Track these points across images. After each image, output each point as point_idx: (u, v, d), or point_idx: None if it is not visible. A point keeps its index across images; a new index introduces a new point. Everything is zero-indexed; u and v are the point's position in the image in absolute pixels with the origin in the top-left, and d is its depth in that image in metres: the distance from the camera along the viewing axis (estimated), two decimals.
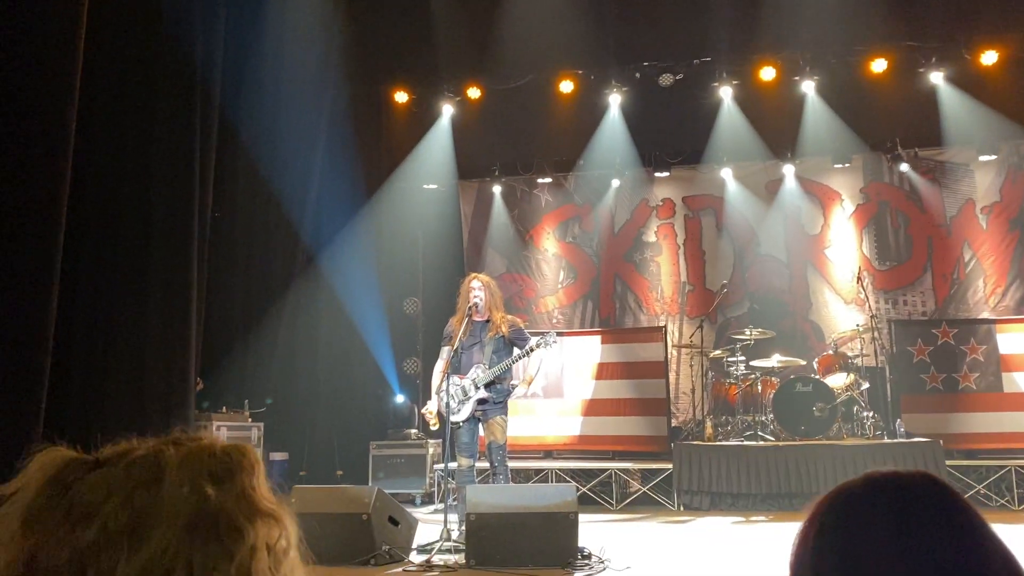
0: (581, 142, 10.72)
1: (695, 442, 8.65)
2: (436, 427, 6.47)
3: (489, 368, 6.24)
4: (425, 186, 11.12)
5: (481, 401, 6.25)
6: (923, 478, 1.01)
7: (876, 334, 8.75)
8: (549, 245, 11.32)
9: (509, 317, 6.54)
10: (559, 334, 6.95)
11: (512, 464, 6.73)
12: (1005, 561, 0.94)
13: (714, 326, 10.37)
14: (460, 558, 5.52)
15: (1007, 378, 8.77)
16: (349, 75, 10.19)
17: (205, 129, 7.77)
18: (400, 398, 10.26)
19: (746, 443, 8.37)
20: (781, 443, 8.25)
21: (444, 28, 10.04)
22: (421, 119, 11.03)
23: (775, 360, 8.80)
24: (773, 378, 8.85)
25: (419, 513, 7.44)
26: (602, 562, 5.49)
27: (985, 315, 9.64)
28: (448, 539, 5.84)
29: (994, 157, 9.89)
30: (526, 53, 9.85)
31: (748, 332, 9.00)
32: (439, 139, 10.94)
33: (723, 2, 9.44)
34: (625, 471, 8.74)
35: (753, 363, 8.90)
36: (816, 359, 9.00)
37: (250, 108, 8.80)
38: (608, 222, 11.14)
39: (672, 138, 10.70)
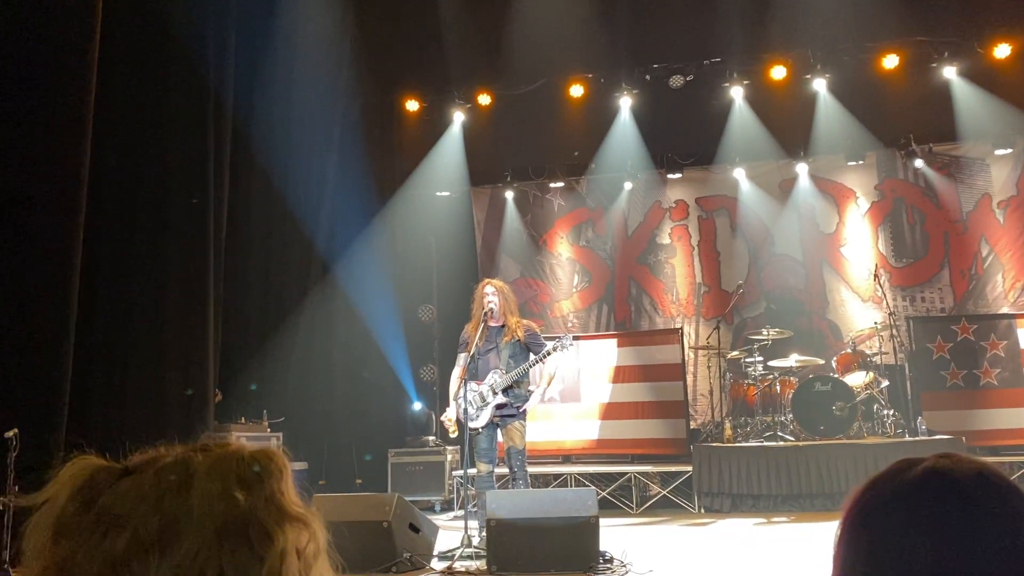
0: (593, 146, 10.72)
1: (714, 444, 8.61)
2: (455, 434, 6.47)
3: (506, 373, 6.24)
4: (438, 193, 11.14)
5: (499, 406, 6.24)
6: (977, 472, 0.99)
7: (894, 331, 8.69)
8: (563, 249, 11.31)
9: (524, 322, 6.54)
10: (575, 338, 6.94)
11: (531, 469, 6.71)
12: None
13: (731, 327, 10.33)
14: (481, 564, 5.52)
15: None
16: (360, 84, 10.23)
17: (218, 141, 7.82)
18: (417, 405, 10.26)
19: (766, 444, 8.33)
20: (801, 443, 8.20)
21: (454, 36, 10.06)
22: (432, 127, 11.06)
23: (793, 360, 8.75)
24: (791, 378, 8.80)
25: (439, 520, 7.43)
26: (624, 566, 5.47)
27: (1005, 310, 9.56)
28: (469, 545, 5.83)
29: (1010, 151, 9.82)
30: (536, 58, 9.86)
31: (765, 332, 8.96)
32: (451, 146, 10.97)
33: (732, 2, 9.42)
34: (645, 474, 8.71)
35: (771, 363, 8.86)
36: (834, 358, 8.95)
37: (262, 119, 8.84)
38: (621, 225, 11.13)
39: (684, 139, 10.69)
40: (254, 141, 8.77)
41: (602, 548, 5.51)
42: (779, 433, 8.45)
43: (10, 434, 4.75)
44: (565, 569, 5.29)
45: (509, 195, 11.32)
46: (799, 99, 10.03)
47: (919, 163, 10.15)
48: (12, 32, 5.75)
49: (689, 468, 8.39)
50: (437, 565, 5.70)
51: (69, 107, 5.93)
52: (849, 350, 8.90)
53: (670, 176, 10.77)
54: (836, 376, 8.51)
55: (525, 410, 6.34)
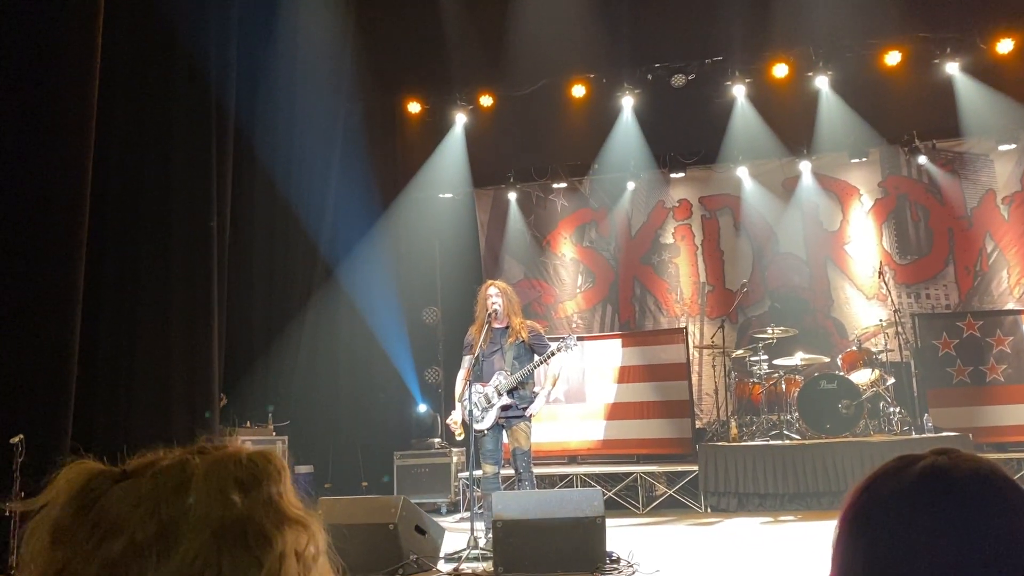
0: (595, 146, 10.71)
1: (720, 443, 8.60)
2: (461, 436, 6.46)
3: (511, 374, 6.23)
4: (440, 195, 11.15)
5: (504, 408, 6.24)
6: (976, 469, 0.98)
7: (900, 329, 8.66)
8: (566, 250, 11.31)
9: (528, 322, 6.54)
10: (579, 338, 6.93)
11: (536, 470, 6.70)
12: None
13: (735, 326, 10.32)
14: (488, 566, 5.51)
15: None
16: (362, 87, 10.24)
17: (221, 144, 7.82)
18: (423, 408, 10.26)
19: (772, 442, 8.31)
20: (807, 441, 8.18)
21: (455, 37, 10.06)
22: (435, 129, 11.06)
23: (798, 358, 8.74)
24: (797, 376, 8.79)
25: (445, 522, 7.43)
26: (631, 566, 5.47)
27: (1010, 306, 9.53)
28: (475, 547, 5.83)
29: (1014, 146, 9.79)
30: (537, 59, 9.85)
31: (770, 331, 8.95)
32: (453, 148, 10.97)
33: (733, 0, 9.41)
34: (650, 474, 8.69)
35: (776, 362, 8.84)
36: (840, 356, 8.93)
37: (265, 122, 8.86)
38: (625, 225, 11.12)
39: (686, 139, 10.67)
40: (257, 144, 8.79)
41: (609, 548, 5.51)
42: (785, 432, 8.44)
43: (15, 440, 4.76)
44: (572, 570, 5.28)
45: (512, 196, 11.32)
46: (802, 97, 10.02)
47: (923, 160, 10.13)
48: (13, 36, 5.76)
49: (695, 468, 8.38)
50: (443, 567, 5.70)
51: (72, 111, 5.93)
52: (854, 348, 8.88)
53: (673, 175, 10.76)
54: (842, 374, 8.49)
55: (531, 412, 6.33)
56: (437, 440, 9.60)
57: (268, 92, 9.02)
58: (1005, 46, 9.35)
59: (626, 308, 10.98)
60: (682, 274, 10.87)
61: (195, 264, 7.39)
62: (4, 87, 5.70)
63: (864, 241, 10.32)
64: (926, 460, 0.99)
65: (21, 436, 4.77)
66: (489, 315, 6.33)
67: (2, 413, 5.14)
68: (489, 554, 5.61)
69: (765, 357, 8.84)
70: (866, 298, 10.14)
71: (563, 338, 6.27)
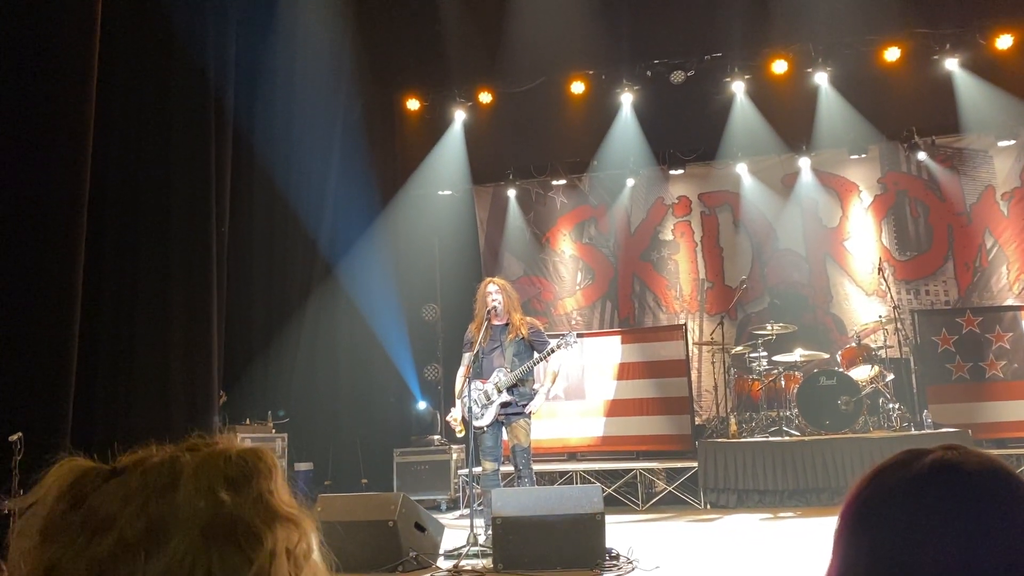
0: (594, 143, 10.70)
1: (719, 439, 8.60)
2: (462, 433, 6.46)
3: (511, 371, 6.23)
4: (440, 192, 11.14)
5: (504, 405, 6.23)
6: (985, 465, 0.97)
7: (899, 325, 8.66)
8: (566, 247, 11.30)
9: (528, 319, 6.53)
10: (579, 335, 6.92)
11: (536, 467, 6.71)
12: None
13: (734, 322, 10.31)
14: (488, 562, 5.51)
15: None
16: (361, 84, 10.23)
17: (220, 143, 7.82)
18: (422, 405, 10.27)
19: (771, 439, 8.31)
20: (807, 438, 8.19)
21: (453, 34, 10.05)
22: (434, 125, 11.05)
23: (797, 354, 8.74)
24: (796, 373, 8.79)
25: (445, 519, 7.43)
26: (630, 563, 5.46)
27: (1010, 302, 9.53)
28: (475, 544, 5.83)
29: (1013, 142, 9.78)
30: (536, 56, 9.84)
31: (769, 327, 8.95)
32: (452, 145, 10.96)
33: None
34: (650, 471, 8.70)
35: (775, 358, 8.84)
36: (839, 352, 8.93)
37: (264, 119, 8.85)
38: (624, 222, 11.11)
39: (686, 135, 10.67)
40: (256, 141, 8.78)
41: (608, 545, 5.51)
42: (784, 428, 8.44)
43: (14, 437, 4.76)
44: (571, 566, 5.28)
45: (511, 193, 11.31)
46: (801, 93, 10.01)
47: (922, 156, 10.12)
48: (11, 35, 5.75)
49: (694, 464, 8.38)
50: (443, 564, 5.70)
51: (70, 109, 5.93)
52: (854, 344, 8.88)
53: (672, 172, 10.75)
54: (841, 370, 8.49)
55: (530, 409, 6.32)
56: (437, 437, 9.60)
57: (267, 89, 9.01)
58: (1004, 42, 9.34)
59: (625, 305, 10.97)
60: (681, 271, 10.86)
61: (194, 261, 7.39)
62: (2, 86, 5.69)
63: (863, 237, 10.32)
64: (935, 454, 0.99)
65: (20, 434, 4.77)
66: (489, 312, 6.33)
67: (1, 410, 5.14)
68: (489, 551, 5.62)
69: (764, 353, 8.84)
70: (865, 294, 10.14)
71: (563, 335, 6.27)
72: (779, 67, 9.96)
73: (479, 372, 6.33)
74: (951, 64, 9.63)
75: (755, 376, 8.92)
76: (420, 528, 5.77)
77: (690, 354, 9.73)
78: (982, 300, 9.73)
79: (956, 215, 10.07)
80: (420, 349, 10.62)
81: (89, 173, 5.96)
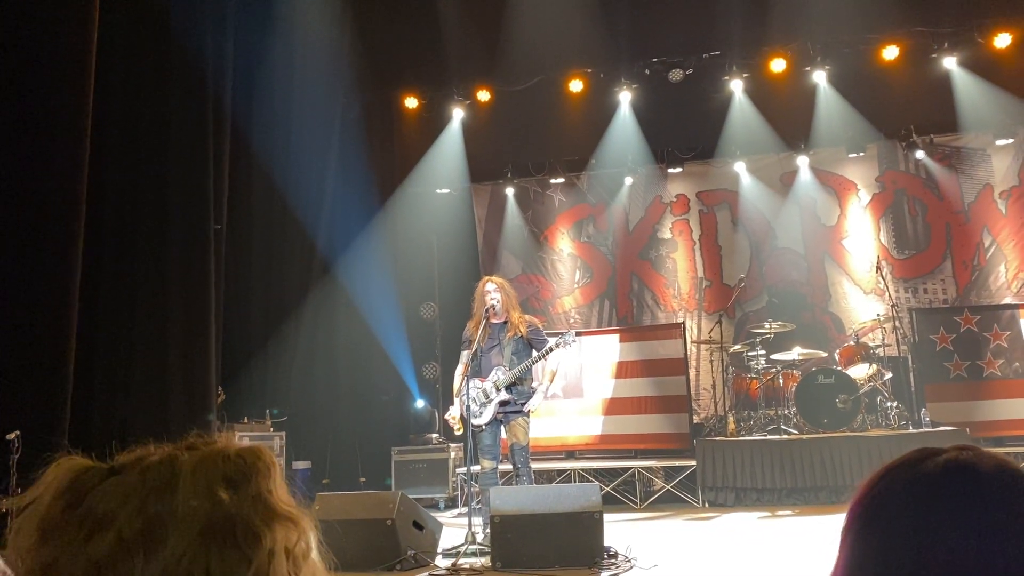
0: (593, 141, 10.70)
1: (718, 438, 8.60)
2: (460, 431, 6.46)
3: (510, 370, 6.23)
4: (438, 190, 11.13)
5: (503, 403, 6.23)
6: (1000, 466, 0.97)
7: (897, 323, 8.67)
8: (564, 245, 11.30)
9: (527, 317, 6.53)
10: (577, 334, 6.92)
11: (534, 465, 6.70)
12: None
13: (733, 321, 10.32)
14: (486, 561, 5.51)
15: None
16: (359, 83, 10.22)
17: (218, 141, 7.81)
18: (420, 403, 10.26)
19: (769, 437, 8.32)
20: (805, 436, 8.19)
21: (452, 32, 10.03)
22: (432, 124, 11.04)
23: (796, 353, 8.74)
24: (794, 371, 8.79)
25: (443, 517, 7.43)
26: (628, 561, 5.46)
27: (1007, 301, 9.54)
28: (473, 542, 5.83)
29: (1011, 141, 9.79)
30: (534, 54, 9.83)
31: (767, 326, 8.95)
32: (450, 143, 10.96)
33: None
34: (648, 469, 8.70)
35: (773, 357, 8.84)
36: (837, 351, 8.93)
37: (262, 117, 8.84)
38: (622, 220, 11.11)
39: (684, 134, 10.67)
40: (254, 139, 8.77)
41: (606, 543, 5.51)
42: (782, 426, 8.44)
43: (12, 436, 4.75)
44: (570, 564, 5.28)
45: (510, 191, 11.31)
46: (799, 91, 10.01)
47: (920, 154, 10.13)
48: (9, 33, 5.74)
49: (693, 463, 8.38)
50: (441, 562, 5.70)
51: (68, 106, 5.93)
52: (852, 343, 8.88)
53: (671, 171, 10.76)
54: (839, 369, 8.49)
55: (529, 408, 6.32)
56: (435, 435, 9.61)
57: (265, 87, 9.00)
58: (1003, 40, 9.34)
59: (624, 303, 10.98)
60: (680, 269, 10.86)
61: (192, 260, 7.39)
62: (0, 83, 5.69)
63: (862, 236, 10.33)
64: (948, 454, 0.97)
65: (17, 432, 4.76)
66: (487, 310, 6.32)
67: None
68: (487, 549, 5.62)
69: (763, 352, 8.84)
70: (864, 293, 10.14)
71: (562, 334, 6.27)
72: (777, 65, 9.96)
73: (478, 370, 6.33)
74: (949, 63, 9.64)
75: (753, 375, 8.92)
76: (418, 526, 5.77)
77: (688, 353, 9.73)
78: (980, 299, 9.74)
79: (954, 214, 10.08)
80: (418, 347, 10.62)
81: (87, 172, 5.96)
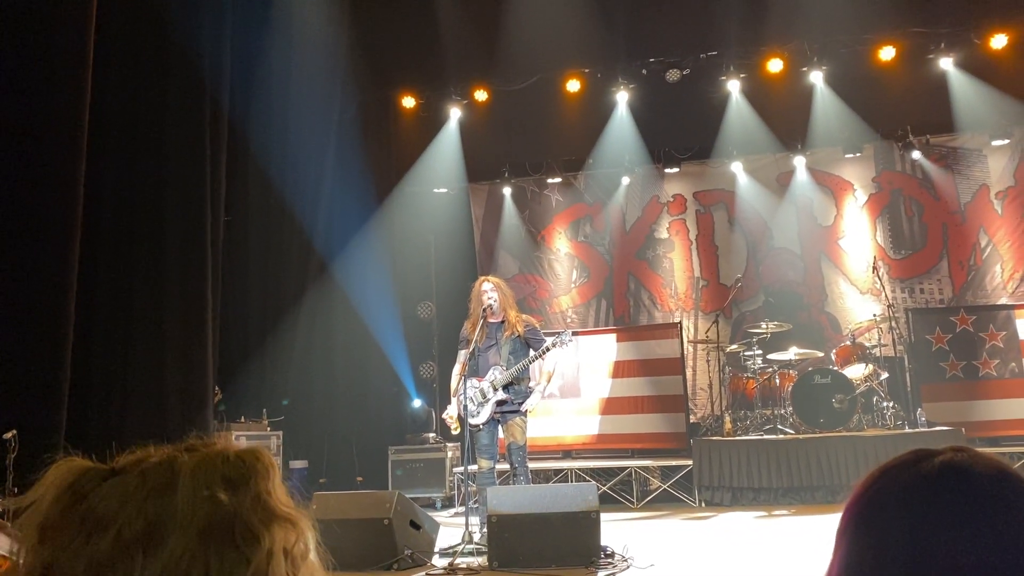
0: (590, 141, 10.71)
1: (714, 437, 8.61)
2: (458, 431, 6.46)
3: (507, 369, 6.24)
4: (435, 190, 11.13)
5: (500, 403, 6.24)
6: (996, 467, 0.97)
7: (893, 323, 8.69)
8: (561, 245, 11.31)
9: (524, 317, 6.54)
10: (574, 333, 6.93)
11: (531, 465, 6.71)
12: None
13: (729, 321, 10.33)
14: (483, 560, 5.52)
15: None
16: (356, 82, 10.22)
17: (215, 140, 7.81)
18: (417, 403, 10.26)
19: (766, 437, 8.33)
20: (801, 436, 8.20)
21: (449, 32, 10.04)
22: (429, 123, 11.05)
23: (792, 353, 8.75)
24: (791, 371, 8.80)
25: (440, 517, 7.44)
26: (625, 560, 5.47)
27: (1003, 301, 9.56)
28: (470, 541, 5.83)
29: (1007, 141, 9.81)
30: (532, 53, 9.84)
31: (764, 325, 8.97)
32: (448, 143, 10.96)
33: None
34: (645, 469, 8.71)
35: (770, 356, 8.85)
36: (834, 350, 8.94)
37: (259, 118, 8.84)
38: (619, 220, 11.12)
39: (681, 134, 10.68)
40: (251, 139, 8.77)
41: (603, 543, 5.51)
42: (779, 426, 8.46)
43: (9, 435, 4.75)
44: (566, 564, 5.29)
45: (507, 191, 11.32)
46: (796, 92, 10.03)
47: (916, 155, 10.14)
48: (6, 35, 5.74)
49: (689, 462, 8.39)
50: (438, 562, 5.70)
51: (65, 104, 5.92)
52: (848, 342, 8.90)
53: (668, 170, 10.77)
54: (835, 369, 8.50)
55: (526, 408, 6.33)
56: (432, 435, 9.61)
57: (263, 86, 9.00)
58: (999, 41, 9.37)
59: (620, 303, 10.98)
60: (676, 269, 10.88)
61: (189, 258, 7.39)
62: None
63: (858, 236, 10.34)
64: (945, 455, 0.98)
65: (14, 431, 4.76)
66: (485, 310, 6.33)
67: None
68: (484, 549, 5.62)
69: (759, 352, 8.85)
70: (860, 293, 10.16)
71: (559, 333, 6.27)
72: (774, 66, 9.98)
73: (475, 370, 6.34)
74: (946, 63, 9.66)
75: (750, 374, 8.93)
76: (415, 526, 5.78)
77: (685, 352, 9.75)
78: (976, 299, 9.76)
79: (950, 214, 10.10)
80: (415, 347, 10.63)
81: (84, 171, 5.96)
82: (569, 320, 10.96)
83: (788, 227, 10.55)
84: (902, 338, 8.97)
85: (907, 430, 8.07)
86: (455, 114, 10.91)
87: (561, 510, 5.41)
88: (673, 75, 10.15)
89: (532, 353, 6.28)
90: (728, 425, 8.62)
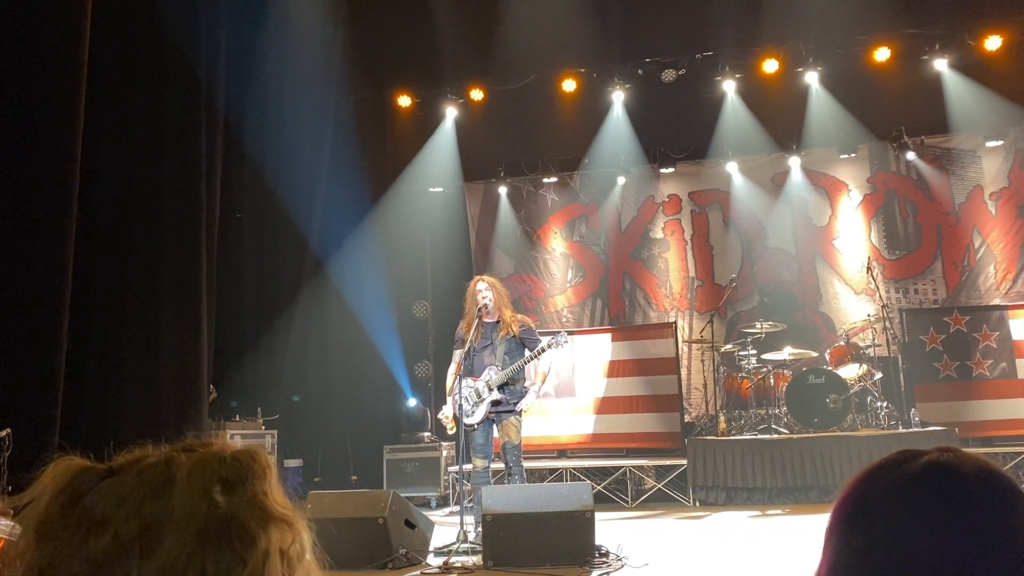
0: (586, 141, 10.71)
1: (709, 437, 8.63)
2: (453, 430, 6.46)
3: (502, 369, 6.24)
4: (431, 189, 11.13)
5: (495, 402, 6.24)
6: (981, 467, 0.98)
7: (887, 324, 8.71)
8: (556, 244, 11.32)
9: (520, 317, 6.54)
10: (569, 333, 6.94)
11: (526, 464, 6.72)
12: None
13: (724, 320, 10.34)
14: (478, 559, 5.52)
15: (1021, 364, 8.72)
16: (352, 81, 10.21)
17: (210, 140, 7.80)
18: (412, 402, 10.26)
19: (760, 437, 8.35)
20: (795, 436, 8.22)
21: (445, 31, 10.04)
22: (425, 122, 11.04)
23: (787, 353, 8.77)
24: (785, 371, 8.82)
25: (435, 516, 7.44)
26: (620, 560, 5.48)
27: (997, 302, 9.59)
28: (465, 541, 5.83)
29: (1001, 143, 9.85)
30: (528, 53, 9.84)
31: (759, 325, 8.98)
32: (443, 142, 10.95)
33: None
34: (639, 468, 8.72)
35: (764, 356, 8.87)
36: (828, 351, 8.97)
37: (255, 117, 8.83)
38: (615, 220, 11.13)
39: (676, 134, 10.69)
40: (247, 137, 8.77)
41: (598, 542, 5.52)
42: (773, 426, 8.47)
43: (3, 434, 4.74)
44: (561, 563, 5.29)
45: (502, 191, 11.32)
46: (791, 92, 10.04)
47: (911, 155, 10.17)
48: (1, 28, 5.73)
49: (684, 462, 8.41)
50: (433, 561, 5.70)
51: (60, 105, 5.91)
52: (842, 343, 8.92)
53: (663, 170, 10.78)
54: (830, 369, 8.53)
55: (521, 407, 6.33)
56: (427, 434, 9.61)
57: (258, 85, 8.99)
58: (993, 43, 9.39)
59: (616, 302, 11.00)
60: (671, 269, 10.89)
61: (184, 256, 7.38)
62: None
63: (853, 236, 10.37)
64: (930, 455, 0.99)
65: (8, 430, 4.75)
66: (480, 310, 6.33)
67: None
68: (479, 548, 5.62)
69: (754, 352, 8.87)
70: (854, 293, 10.19)
71: (555, 334, 6.28)
72: (770, 66, 9.99)
73: (470, 369, 6.33)
74: (940, 64, 9.68)
75: (744, 374, 8.95)
76: (410, 525, 5.78)
77: (680, 352, 9.76)
78: (970, 299, 9.79)
79: (945, 214, 10.13)
80: (411, 346, 10.62)
81: (79, 169, 5.94)
82: (564, 320, 10.97)
83: (783, 227, 10.57)
84: (896, 338, 9.00)
85: (901, 430, 8.10)
86: (451, 113, 10.91)
87: (556, 509, 5.41)
88: (669, 75, 10.16)
89: (527, 354, 6.28)
90: (722, 425, 8.63)
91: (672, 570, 5.41)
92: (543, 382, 6.47)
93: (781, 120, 10.16)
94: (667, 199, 11.02)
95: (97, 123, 6.54)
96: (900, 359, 9.13)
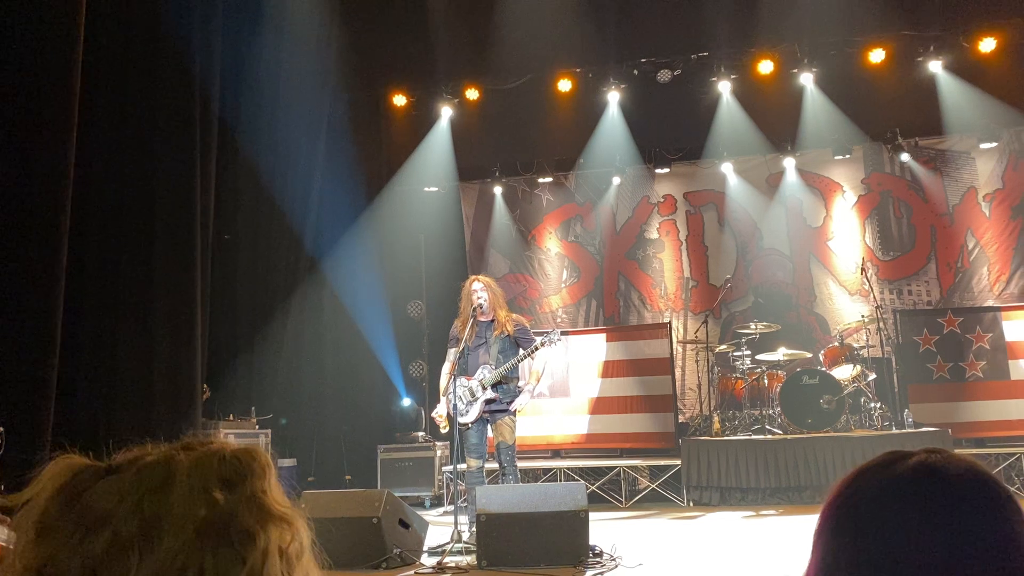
0: (581, 141, 10.71)
1: (703, 437, 8.64)
2: (447, 430, 6.47)
3: (496, 368, 6.24)
4: (426, 189, 11.11)
5: (489, 402, 6.24)
6: (968, 468, 0.98)
7: (881, 325, 8.74)
8: (551, 245, 11.32)
9: (514, 316, 6.55)
10: (564, 333, 6.94)
11: (520, 464, 6.72)
12: None
13: (718, 321, 10.36)
14: (472, 559, 5.52)
15: (1014, 365, 8.75)
16: (347, 80, 10.20)
17: (205, 139, 7.78)
18: (407, 401, 10.26)
19: (754, 437, 8.36)
20: (789, 436, 8.24)
21: (441, 30, 10.04)
22: (420, 122, 11.03)
23: (781, 353, 8.78)
24: (779, 371, 8.84)
25: (429, 516, 7.44)
26: (613, 560, 5.49)
27: (990, 303, 9.62)
28: (459, 540, 5.84)
29: (995, 144, 9.87)
30: (523, 53, 9.85)
31: (753, 326, 8.99)
32: (438, 141, 10.94)
33: None
34: (633, 468, 8.73)
35: (759, 357, 8.88)
36: (822, 351, 8.99)
37: (249, 116, 8.82)
38: (610, 220, 11.14)
39: (672, 134, 10.70)
40: (241, 136, 8.75)
41: (592, 542, 5.53)
42: (767, 426, 8.49)
43: None
44: (555, 563, 5.30)
45: (497, 190, 11.31)
46: (786, 93, 10.06)
47: (905, 157, 10.19)
48: None
49: (678, 462, 8.42)
50: (427, 560, 5.71)
51: (54, 105, 5.89)
52: (836, 343, 8.94)
53: (658, 171, 10.78)
54: (823, 369, 8.54)
55: (515, 407, 6.33)
56: (421, 434, 9.60)
57: (253, 84, 8.98)
58: (987, 45, 9.42)
59: (610, 303, 11.00)
60: (666, 269, 10.90)
61: (178, 257, 7.36)
62: None
63: (847, 237, 10.39)
64: (918, 457, 0.99)
65: (1, 429, 4.74)
66: (474, 309, 6.33)
67: None
68: (473, 548, 5.63)
69: (748, 352, 8.88)
70: (849, 294, 10.21)
71: (547, 333, 6.29)
72: (765, 67, 10.01)
73: (464, 369, 6.34)
74: (935, 66, 9.71)
75: (738, 375, 8.96)
76: (404, 525, 5.77)
77: (674, 352, 9.77)
78: (963, 301, 9.82)
79: (939, 216, 10.16)
80: (405, 346, 10.61)
81: (73, 170, 5.93)
82: (559, 320, 10.97)
83: (777, 228, 10.59)
84: (890, 339, 9.02)
85: (894, 431, 8.12)
86: (446, 113, 10.90)
87: (550, 509, 5.42)
88: (664, 75, 10.17)
89: (521, 352, 6.29)
90: (716, 425, 8.65)
91: (666, 570, 5.42)
92: (537, 381, 6.48)
93: (776, 121, 10.18)
94: (662, 199, 11.04)
95: (90, 123, 6.52)
96: (894, 360, 9.16)
